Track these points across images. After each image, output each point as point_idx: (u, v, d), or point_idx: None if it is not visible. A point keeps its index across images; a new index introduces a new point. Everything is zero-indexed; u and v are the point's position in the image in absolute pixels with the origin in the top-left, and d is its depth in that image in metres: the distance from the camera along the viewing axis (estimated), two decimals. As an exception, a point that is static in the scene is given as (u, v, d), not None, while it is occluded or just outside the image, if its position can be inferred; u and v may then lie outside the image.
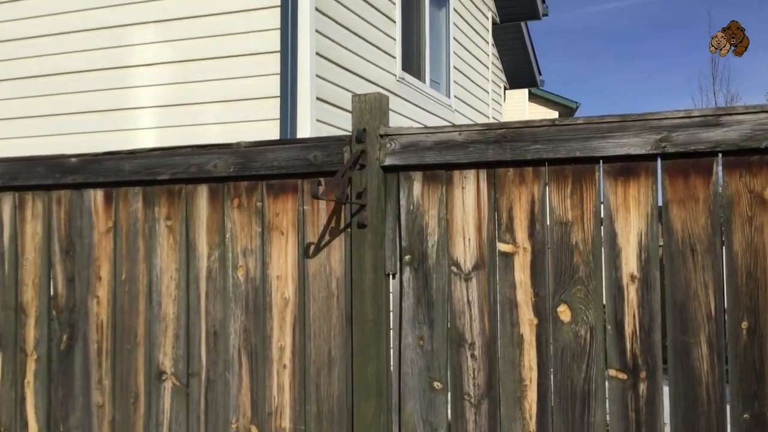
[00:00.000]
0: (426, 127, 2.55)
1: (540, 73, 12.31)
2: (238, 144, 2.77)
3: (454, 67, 8.84)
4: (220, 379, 2.76)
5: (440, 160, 2.47)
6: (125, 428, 2.92)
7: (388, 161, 2.54)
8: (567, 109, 19.28)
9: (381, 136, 2.55)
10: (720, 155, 2.17)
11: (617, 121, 2.26)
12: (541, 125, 2.36)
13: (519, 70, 11.96)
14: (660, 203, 2.26)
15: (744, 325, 2.13)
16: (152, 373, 2.88)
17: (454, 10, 8.85)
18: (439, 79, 8.52)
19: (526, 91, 16.40)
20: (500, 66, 11.24)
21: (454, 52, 8.84)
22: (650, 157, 2.24)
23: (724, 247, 2.17)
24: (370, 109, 2.57)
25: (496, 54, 10.95)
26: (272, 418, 2.68)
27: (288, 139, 3.78)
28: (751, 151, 2.13)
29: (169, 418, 2.84)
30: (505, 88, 11.76)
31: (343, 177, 2.48)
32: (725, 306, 2.16)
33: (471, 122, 8.95)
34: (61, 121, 6.14)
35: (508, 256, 2.40)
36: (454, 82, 8.83)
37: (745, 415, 2.12)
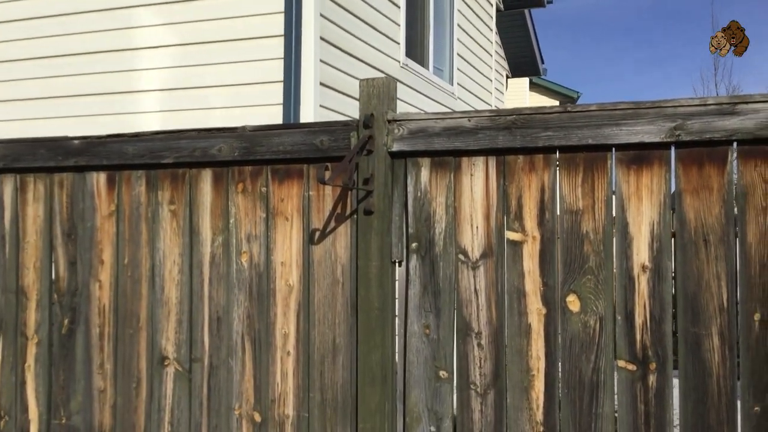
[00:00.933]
0: (435, 113, 2.48)
1: (543, 62, 12.22)
2: (243, 128, 2.71)
3: (458, 55, 8.75)
4: (223, 365, 2.71)
5: (449, 146, 2.41)
6: (127, 413, 2.87)
7: (395, 147, 2.48)
8: (568, 99, 19.17)
9: (389, 121, 2.49)
10: (735, 144, 2.12)
11: (631, 108, 2.20)
12: (552, 112, 2.30)
13: (522, 59, 11.86)
14: (673, 192, 2.20)
15: (756, 316, 2.08)
16: (154, 358, 2.83)
17: (459, -4, 8.75)
18: (442, 66, 8.43)
19: (527, 80, 16.28)
20: (503, 54, 11.15)
21: (458, 39, 8.75)
22: (664, 146, 2.18)
23: (737, 238, 2.11)
24: (378, 93, 2.51)
25: (500, 42, 10.85)
26: (275, 405, 2.63)
27: (294, 123, 3.69)
28: (767, 140, 2.07)
29: (171, 403, 2.80)
30: (508, 77, 11.66)
31: (350, 162, 2.42)
32: (738, 297, 2.10)
33: (471, 109, 8.85)
34: (63, 103, 6.06)
35: (516, 245, 2.35)
36: (458, 69, 8.74)
37: (756, 408, 2.07)
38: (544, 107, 2.34)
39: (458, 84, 8.75)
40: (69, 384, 2.98)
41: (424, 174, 2.48)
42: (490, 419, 2.37)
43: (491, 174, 2.39)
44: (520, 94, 16.27)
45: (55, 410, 3.01)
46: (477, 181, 2.41)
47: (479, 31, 9.62)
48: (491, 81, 10.08)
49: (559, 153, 2.31)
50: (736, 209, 2.13)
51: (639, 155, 2.21)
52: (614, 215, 2.25)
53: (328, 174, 2.43)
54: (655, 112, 2.18)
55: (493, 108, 9.14)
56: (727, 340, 2.11)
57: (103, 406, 2.92)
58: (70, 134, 3.07)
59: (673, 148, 2.18)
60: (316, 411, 2.59)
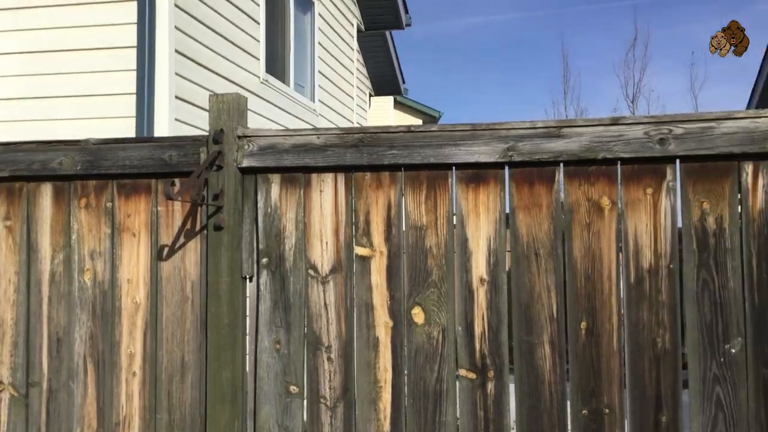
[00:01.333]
0: (285, 130, 2.50)
1: (404, 82, 12.53)
2: (86, 141, 2.61)
3: (319, 72, 8.82)
4: (64, 388, 2.59)
5: (298, 162, 2.44)
6: (-45, 444, 2.67)
7: (245, 163, 2.47)
8: (430, 118, 19.74)
9: (239, 137, 2.48)
10: (562, 165, 2.27)
11: (468, 130, 2.31)
12: (397, 131, 2.38)
13: (384, 78, 12.12)
14: (508, 209, 2.32)
15: (583, 325, 2.23)
16: (-13, 383, 2.65)
17: (319, 15, 8.83)
18: (304, 83, 8.47)
19: (391, 98, 16.61)
20: (366, 73, 11.34)
21: (319, 57, 8.83)
22: (499, 165, 2.31)
23: (565, 252, 2.26)
24: (228, 109, 2.50)
25: (362, 61, 11.04)
26: (120, 428, 2.54)
27: (141, 137, 3.57)
28: (589, 161, 2.24)
29: (6, 431, 2.62)
30: (370, 95, 11.86)
31: (199, 177, 2.39)
32: (566, 308, 2.25)
33: (333, 126, 8.94)
34: None
35: (364, 260, 2.40)
36: (319, 86, 8.81)
37: (583, 411, 2.22)
38: (390, 126, 2.42)
39: (320, 101, 8.83)
40: None
41: (275, 190, 2.48)
42: (339, 432, 2.39)
43: (340, 190, 2.44)
44: (384, 113, 16.56)
45: None
46: (326, 197, 2.44)
47: (341, 49, 9.75)
48: (353, 99, 10.23)
49: (404, 171, 2.38)
50: (563, 225, 2.28)
51: (476, 174, 2.33)
52: (455, 231, 2.35)
53: (176, 189, 2.38)
54: (490, 133, 2.30)
55: (343, 126, 9.27)
56: (557, 347, 2.25)
57: (-72, 438, 2.70)
58: None
59: (506, 168, 2.31)
60: (163, 432, 2.51)
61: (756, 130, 2.14)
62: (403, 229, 2.40)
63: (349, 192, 2.43)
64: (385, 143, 2.38)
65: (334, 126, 8.97)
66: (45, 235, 2.65)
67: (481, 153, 2.30)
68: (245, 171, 2.50)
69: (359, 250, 2.41)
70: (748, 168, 2.17)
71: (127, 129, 5.01)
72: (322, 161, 2.42)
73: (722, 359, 2.14)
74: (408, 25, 11.00)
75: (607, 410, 2.21)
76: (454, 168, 2.35)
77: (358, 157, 2.40)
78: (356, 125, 10.09)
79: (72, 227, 2.62)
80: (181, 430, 2.51)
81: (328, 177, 2.45)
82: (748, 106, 10.49)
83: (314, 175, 2.46)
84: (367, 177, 2.42)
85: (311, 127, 7.96)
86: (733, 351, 2.14)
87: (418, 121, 19.01)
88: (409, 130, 2.38)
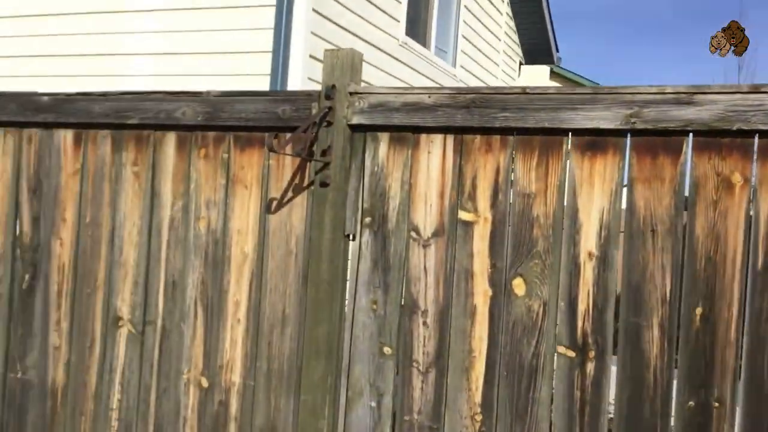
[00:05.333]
0: (395, 88, 2.50)
1: (557, 50, 12.16)
2: (207, 92, 2.76)
3: (463, 36, 8.79)
4: (176, 329, 2.77)
5: (407, 122, 2.45)
6: (79, 371, 2.95)
7: (355, 120, 2.52)
8: (582, 89, 18.86)
9: (350, 93, 2.52)
10: (690, 135, 2.12)
11: (589, 93, 2.22)
12: (511, 92, 2.33)
13: (536, 46, 11.86)
14: (625, 181, 2.21)
15: (698, 311, 2.12)
16: (109, 318, 2.90)
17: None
18: (446, 48, 8.49)
19: (547, 68, 16.12)
20: (516, 40, 11.12)
21: (464, 21, 8.80)
22: (619, 133, 2.21)
23: (686, 230, 2.12)
24: (341, 65, 2.54)
25: (513, 26, 10.84)
26: (223, 372, 2.69)
27: (258, 90, 3.54)
28: (722, 132, 2.12)
29: (123, 363, 2.86)
30: (521, 63, 11.59)
31: (306, 132, 2.45)
32: (681, 290, 2.12)
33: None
34: (56, 62, 6.10)
35: (468, 225, 2.38)
36: (462, 51, 8.79)
37: (690, 403, 2.11)
38: (504, 87, 2.36)
39: (461, 66, 8.79)
40: (26, 339, 3.06)
41: (383, 148, 2.50)
42: (429, 397, 2.41)
43: (448, 152, 2.42)
44: (540, 82, 16.11)
45: (12, 364, 3.09)
46: (434, 158, 2.43)
47: (487, 13, 9.64)
48: (498, 65, 10.05)
49: (516, 135, 2.32)
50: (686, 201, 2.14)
51: (594, 141, 2.23)
52: (565, 201, 2.26)
53: (281, 142, 2.44)
54: (612, 98, 2.19)
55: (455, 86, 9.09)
56: (667, 332, 2.14)
57: (57, 363, 2.99)
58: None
59: (628, 136, 2.20)
60: (261, 380, 2.64)
61: None
62: (510, 195, 2.34)
63: (457, 154, 2.41)
64: (498, 105, 2.33)
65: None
66: (167, 183, 2.83)
67: (601, 118, 2.20)
68: (354, 128, 2.54)
69: (463, 215, 2.39)
70: None
71: (262, 86, 5.21)
72: (431, 121, 2.41)
73: None
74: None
75: (716, 404, 2.07)
76: (570, 134, 2.26)
77: (468, 119, 2.37)
78: (455, 86, 9.88)
79: (191, 176, 2.78)
80: (279, 379, 2.62)
81: (437, 138, 2.44)
82: None
83: (423, 136, 2.46)
84: (477, 140, 2.39)
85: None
86: None
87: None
88: (524, 91, 2.31)
